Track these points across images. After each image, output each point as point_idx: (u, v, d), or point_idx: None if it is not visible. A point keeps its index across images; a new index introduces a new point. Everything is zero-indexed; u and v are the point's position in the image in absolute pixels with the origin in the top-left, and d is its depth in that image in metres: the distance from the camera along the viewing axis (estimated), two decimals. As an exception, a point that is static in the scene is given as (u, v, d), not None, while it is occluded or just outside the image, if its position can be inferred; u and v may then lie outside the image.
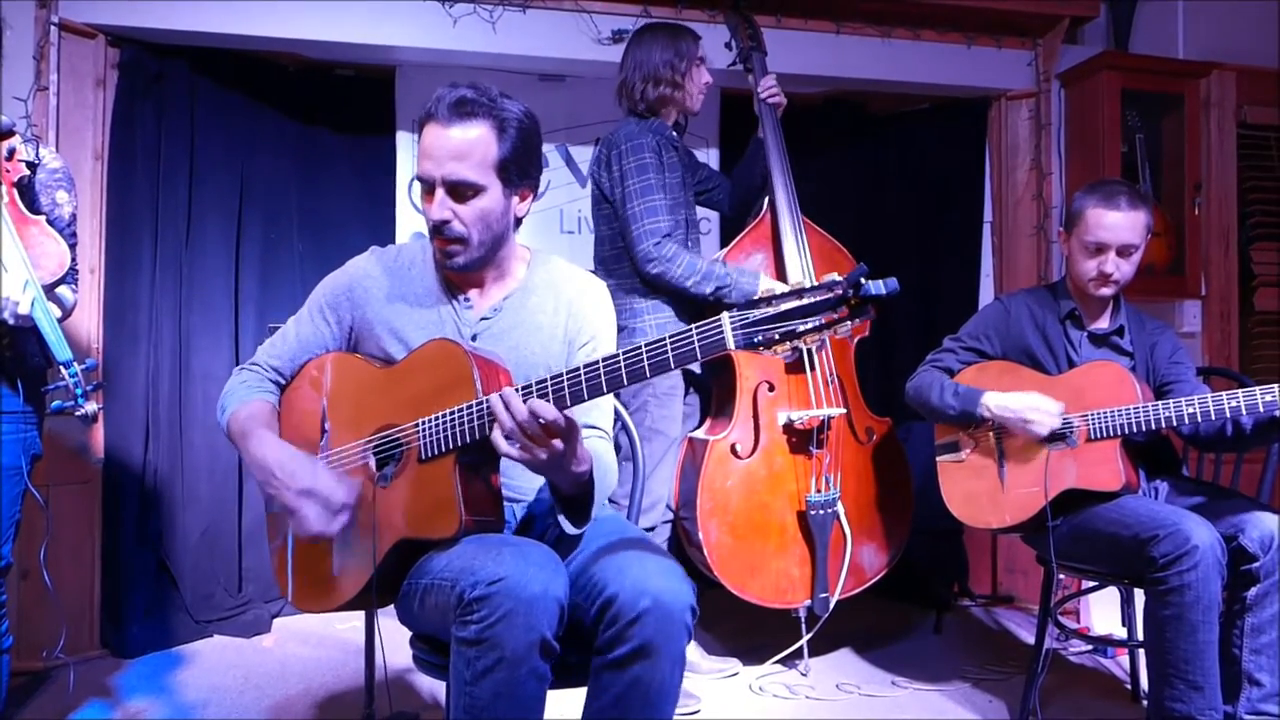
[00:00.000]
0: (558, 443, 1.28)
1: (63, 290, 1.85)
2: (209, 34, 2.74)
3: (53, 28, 2.60)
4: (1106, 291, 2.14)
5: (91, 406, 1.67)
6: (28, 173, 1.78)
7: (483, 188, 1.45)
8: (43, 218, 1.77)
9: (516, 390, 1.30)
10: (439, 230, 1.46)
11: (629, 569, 1.30)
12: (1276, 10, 3.37)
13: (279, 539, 1.57)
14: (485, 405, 1.31)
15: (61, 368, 1.66)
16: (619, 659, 1.27)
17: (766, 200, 2.66)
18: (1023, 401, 2.09)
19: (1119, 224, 2.08)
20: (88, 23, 2.67)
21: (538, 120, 1.51)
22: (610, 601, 1.27)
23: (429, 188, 1.46)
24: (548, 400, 1.28)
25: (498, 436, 1.28)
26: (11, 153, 1.75)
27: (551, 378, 1.29)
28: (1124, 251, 2.10)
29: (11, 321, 1.64)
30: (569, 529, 1.42)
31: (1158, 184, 3.25)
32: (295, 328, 1.60)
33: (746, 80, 2.78)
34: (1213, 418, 1.92)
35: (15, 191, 1.74)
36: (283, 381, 1.60)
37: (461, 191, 1.44)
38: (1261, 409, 1.86)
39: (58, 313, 1.74)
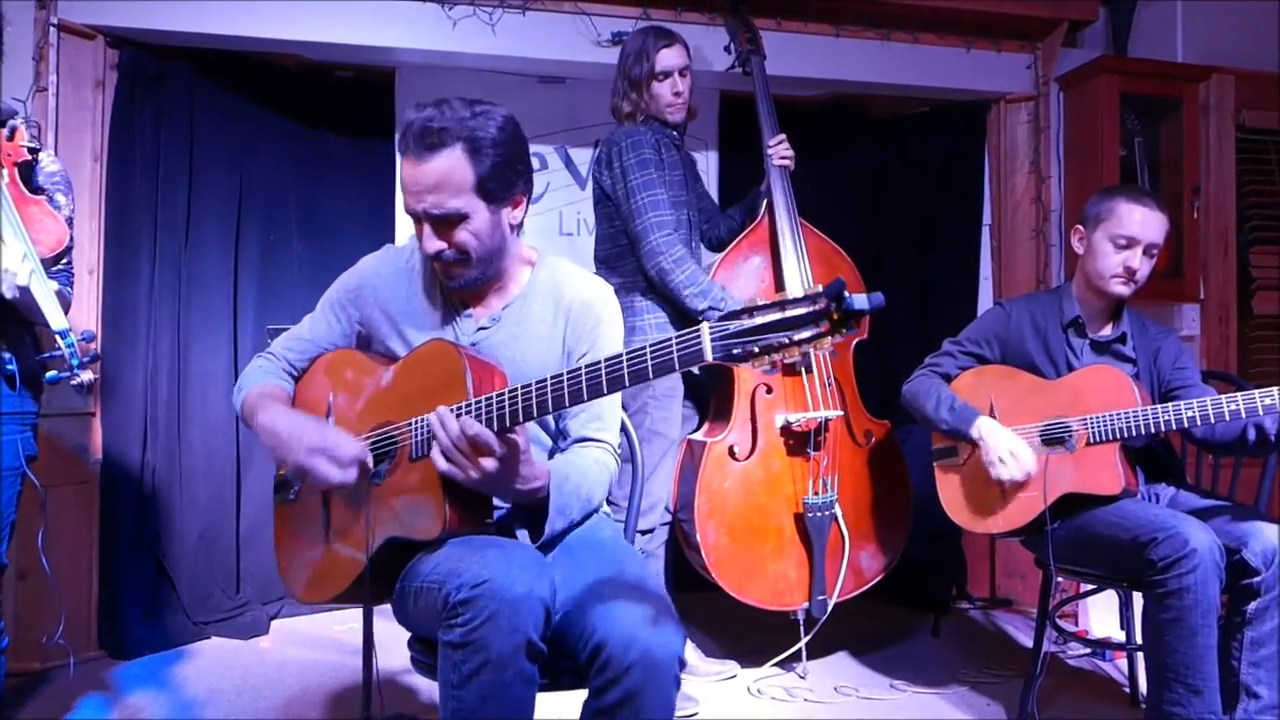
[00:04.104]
0: (489, 463, 1.28)
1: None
2: (208, 35, 2.74)
3: (52, 28, 2.60)
4: (1126, 290, 2.13)
5: (87, 375, 1.69)
6: (28, 156, 1.82)
7: (466, 214, 1.42)
8: (43, 197, 1.82)
9: (466, 406, 1.30)
10: (436, 258, 1.45)
11: (620, 617, 1.28)
12: (1275, 14, 3.38)
13: (286, 527, 1.60)
14: (476, 406, 1.31)
15: (58, 337, 1.69)
16: (607, 707, 1.27)
17: (765, 203, 2.66)
18: (1006, 443, 2.09)
19: (1151, 221, 2.10)
20: (87, 24, 2.67)
21: (517, 124, 1.46)
22: (599, 648, 1.27)
23: (417, 219, 1.45)
24: (531, 406, 1.28)
25: (436, 454, 1.30)
26: (13, 133, 1.79)
27: (536, 383, 1.28)
28: (1149, 250, 2.10)
29: (10, 295, 1.67)
30: (527, 542, 1.43)
31: (1156, 188, 3.25)
32: (309, 323, 1.64)
33: (748, 82, 2.78)
34: (1211, 421, 1.91)
35: (16, 172, 1.78)
36: (295, 373, 1.63)
37: (446, 221, 1.42)
38: (1261, 411, 1.85)
39: (55, 287, 1.76)
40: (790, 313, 1.09)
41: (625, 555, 1.50)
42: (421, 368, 1.44)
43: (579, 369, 1.25)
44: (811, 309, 1.08)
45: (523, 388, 1.29)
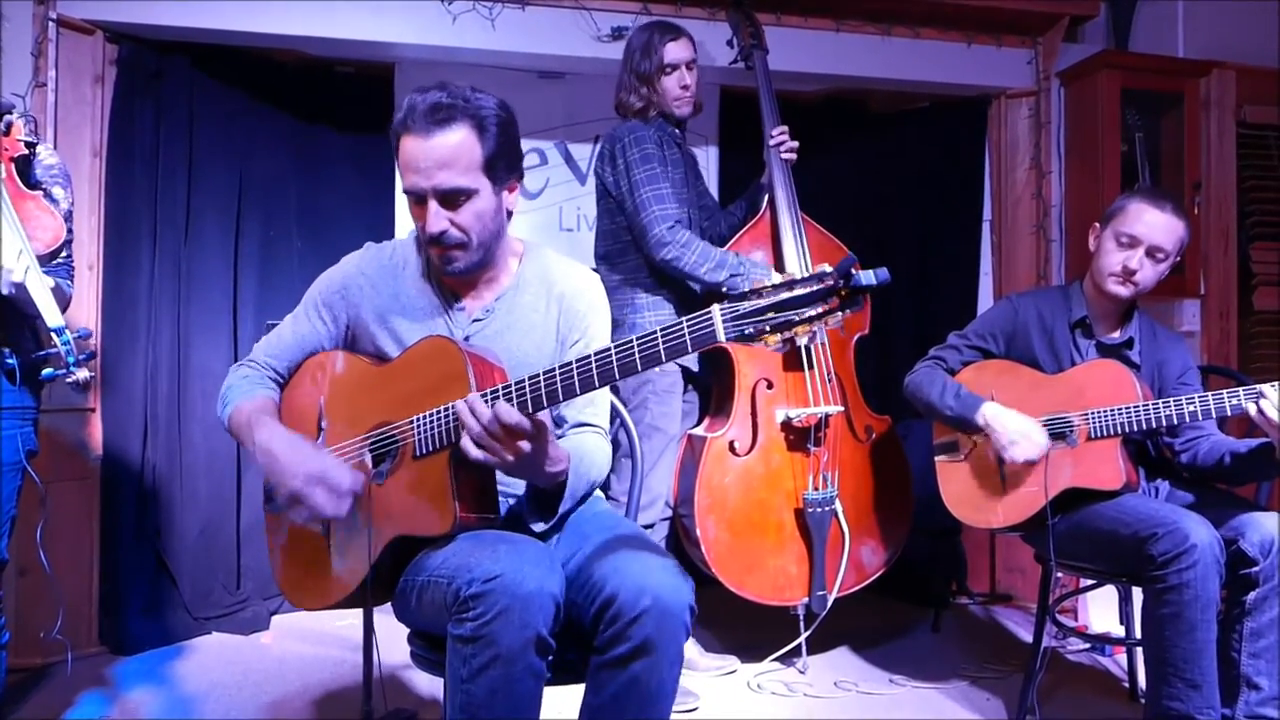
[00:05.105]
0: (524, 445, 1.29)
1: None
2: (208, 30, 2.73)
3: (51, 23, 2.59)
4: (1124, 292, 2.10)
5: (83, 373, 1.68)
6: (25, 150, 1.81)
7: (474, 191, 1.43)
8: (40, 193, 1.81)
9: (496, 391, 1.30)
10: (437, 240, 1.45)
11: (628, 567, 1.30)
12: (1276, 10, 3.37)
13: (280, 535, 1.57)
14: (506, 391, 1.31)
15: (53, 335, 1.67)
16: (618, 657, 1.27)
17: (766, 198, 2.66)
18: (1017, 425, 2.08)
19: (1157, 222, 2.06)
20: (86, 19, 2.66)
21: (512, 109, 1.49)
22: (610, 601, 1.27)
23: (419, 199, 1.44)
24: (541, 396, 1.28)
25: (466, 443, 1.29)
26: (9, 127, 1.78)
27: (544, 373, 1.29)
28: (1153, 253, 2.07)
29: (6, 291, 1.66)
30: (538, 528, 1.43)
31: (1157, 183, 3.24)
32: (292, 325, 1.60)
33: (748, 78, 2.78)
34: (1213, 414, 1.92)
35: (12, 167, 1.77)
36: (280, 380, 1.60)
37: (454, 198, 1.43)
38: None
39: (52, 283, 1.75)
40: (799, 291, 1.13)
41: (622, 521, 1.53)
42: (421, 365, 1.43)
43: (589, 356, 1.26)
44: (819, 286, 1.12)
45: (530, 378, 1.29)
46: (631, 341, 1.22)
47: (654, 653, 1.26)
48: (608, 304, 1.64)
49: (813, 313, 1.12)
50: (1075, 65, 3.27)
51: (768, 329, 1.13)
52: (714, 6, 3.02)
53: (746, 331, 1.14)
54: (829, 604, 2.54)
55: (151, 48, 2.84)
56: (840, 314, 1.12)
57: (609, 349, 1.25)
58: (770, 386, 2.55)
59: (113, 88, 2.77)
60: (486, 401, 1.29)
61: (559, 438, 1.57)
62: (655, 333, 1.20)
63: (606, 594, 1.28)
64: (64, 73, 2.65)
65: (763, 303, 1.13)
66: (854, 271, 1.10)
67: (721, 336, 1.15)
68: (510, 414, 1.26)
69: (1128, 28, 3.39)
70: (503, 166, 1.46)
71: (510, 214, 1.54)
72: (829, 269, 1.13)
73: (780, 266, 2.59)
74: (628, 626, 1.26)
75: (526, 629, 1.22)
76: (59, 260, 1.86)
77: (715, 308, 1.16)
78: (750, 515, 2.51)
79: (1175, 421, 1.96)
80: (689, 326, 1.18)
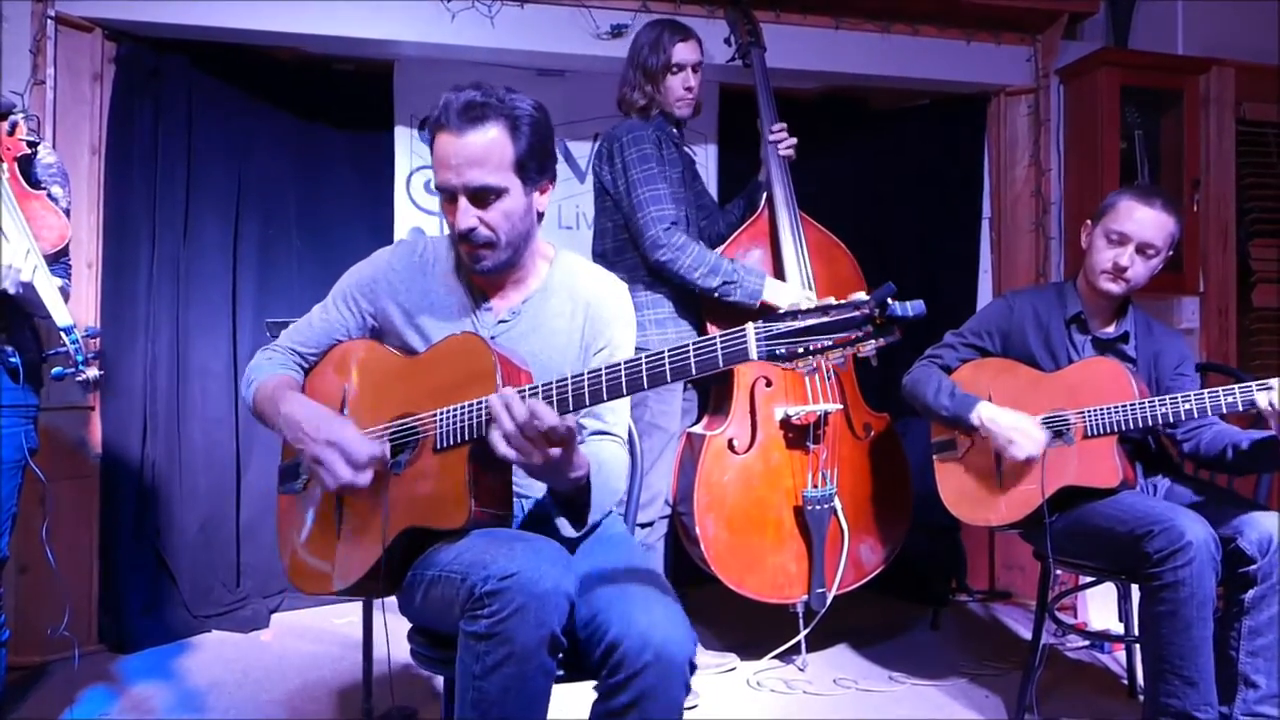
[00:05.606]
0: (555, 451, 1.29)
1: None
2: (207, 28, 2.73)
3: (49, 21, 2.59)
4: (1116, 289, 2.11)
5: (92, 372, 1.70)
6: (28, 150, 1.82)
7: (505, 190, 1.44)
8: (44, 193, 1.82)
9: (532, 389, 1.30)
10: (466, 237, 1.46)
11: (635, 616, 1.29)
12: (1275, 7, 3.37)
13: (289, 518, 1.58)
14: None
15: (62, 334, 1.69)
16: (618, 708, 1.28)
17: (764, 196, 2.66)
18: (1012, 422, 2.09)
19: (1147, 219, 2.08)
20: (85, 16, 2.66)
21: (547, 112, 1.50)
22: (613, 648, 1.28)
23: (450, 196, 1.45)
24: (567, 400, 1.28)
25: (495, 437, 1.28)
26: (13, 128, 1.79)
27: (572, 377, 1.29)
28: (1144, 249, 2.08)
29: (14, 290, 1.67)
30: (568, 532, 1.43)
31: (1156, 180, 3.24)
32: (320, 314, 1.62)
33: (747, 75, 2.78)
34: (1209, 413, 1.92)
35: (16, 166, 1.78)
36: (305, 365, 1.62)
37: (484, 197, 1.44)
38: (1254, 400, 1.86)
39: (59, 283, 1.76)
40: (835, 316, 1.12)
41: (636, 553, 1.52)
42: (449, 360, 1.43)
43: (617, 365, 1.26)
44: (856, 313, 1.11)
45: (558, 381, 1.29)
46: (663, 354, 1.23)
47: (652, 707, 1.27)
48: (633, 313, 1.64)
49: (845, 338, 1.11)
50: (1075, 63, 3.27)
51: (799, 351, 1.13)
52: (712, 4, 3.01)
53: (779, 351, 1.14)
54: (828, 601, 2.54)
55: (150, 45, 2.84)
56: (872, 343, 1.11)
57: (639, 359, 1.25)
58: (769, 384, 2.56)
59: (111, 86, 2.77)
60: (522, 398, 1.28)
61: (579, 444, 1.58)
62: (687, 346, 1.21)
63: (610, 640, 1.28)
64: (63, 70, 2.65)
65: (797, 325, 1.13)
66: (890, 301, 1.10)
67: (754, 354, 1.15)
68: (549, 415, 1.26)
69: (1127, 25, 3.39)
70: (534, 167, 1.47)
71: (541, 215, 1.55)
72: (865, 297, 1.12)
73: (779, 266, 2.59)
74: (629, 679, 1.26)
75: (542, 627, 1.22)
76: (59, 260, 1.87)
77: (750, 326, 1.15)
78: (749, 513, 2.51)
79: (1171, 420, 1.96)
80: (722, 342, 1.18)
